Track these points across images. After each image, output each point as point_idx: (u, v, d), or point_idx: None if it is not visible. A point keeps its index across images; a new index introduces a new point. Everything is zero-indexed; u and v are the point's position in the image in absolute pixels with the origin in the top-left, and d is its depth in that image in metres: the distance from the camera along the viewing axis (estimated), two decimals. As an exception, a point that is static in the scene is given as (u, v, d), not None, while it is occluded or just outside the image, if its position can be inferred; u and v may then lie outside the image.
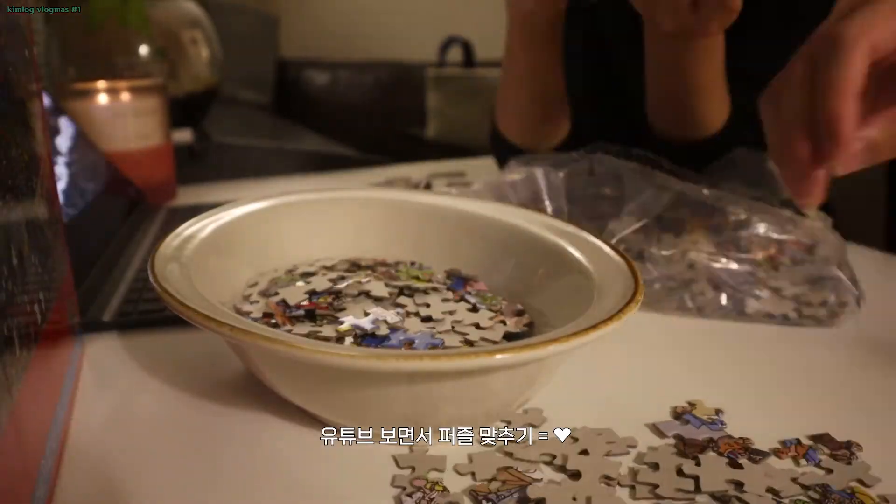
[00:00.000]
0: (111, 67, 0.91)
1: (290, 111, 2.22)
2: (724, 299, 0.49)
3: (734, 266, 0.50)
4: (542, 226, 0.44)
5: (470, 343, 0.36)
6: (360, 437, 0.35)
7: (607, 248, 0.40)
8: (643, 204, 0.52)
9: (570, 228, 0.43)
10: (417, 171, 0.96)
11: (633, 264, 0.38)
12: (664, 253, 0.50)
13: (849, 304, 0.48)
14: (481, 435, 0.35)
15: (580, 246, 0.41)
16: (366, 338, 0.36)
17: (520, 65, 0.74)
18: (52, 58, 0.91)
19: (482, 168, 0.91)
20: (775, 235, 0.51)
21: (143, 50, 0.93)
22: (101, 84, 0.74)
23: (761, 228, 0.51)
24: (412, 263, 0.45)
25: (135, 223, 0.69)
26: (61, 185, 0.55)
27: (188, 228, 0.42)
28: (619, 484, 0.31)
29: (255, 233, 0.45)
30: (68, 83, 0.78)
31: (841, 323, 0.49)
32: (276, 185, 0.95)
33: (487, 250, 0.46)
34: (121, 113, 0.75)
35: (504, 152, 0.76)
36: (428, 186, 0.80)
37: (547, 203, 0.55)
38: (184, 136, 0.96)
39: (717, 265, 0.50)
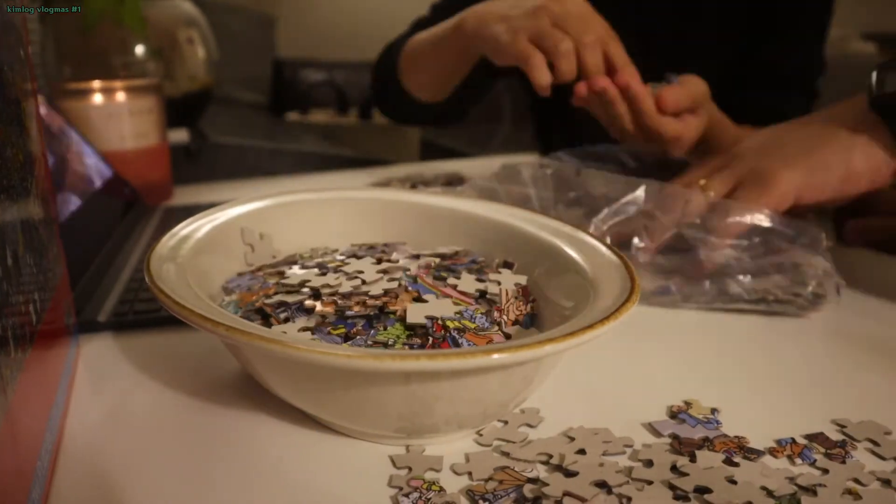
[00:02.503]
0: (107, 67, 0.91)
1: (287, 111, 2.21)
2: (707, 285, 0.50)
3: (717, 252, 0.50)
4: (537, 226, 0.45)
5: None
6: (356, 436, 0.35)
7: (603, 248, 0.40)
8: (628, 203, 0.53)
9: (566, 228, 0.44)
10: (414, 171, 0.96)
11: (629, 263, 0.38)
12: (648, 243, 0.51)
13: (829, 293, 0.49)
14: (478, 435, 0.36)
15: (576, 245, 0.41)
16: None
17: (441, 61, 0.80)
18: (47, 57, 0.91)
19: (477, 168, 0.91)
20: (758, 223, 0.51)
21: (140, 49, 0.93)
22: (97, 84, 0.74)
23: (743, 217, 0.51)
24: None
25: (131, 223, 0.69)
26: (56, 185, 0.55)
27: (184, 228, 0.42)
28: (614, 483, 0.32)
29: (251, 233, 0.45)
30: (64, 83, 0.78)
31: (821, 310, 0.49)
32: (272, 185, 0.95)
33: (484, 250, 0.46)
34: (117, 113, 0.75)
35: (393, 98, 0.89)
36: (414, 187, 0.81)
37: (535, 203, 0.56)
38: (180, 135, 0.96)
39: (700, 251, 0.51)
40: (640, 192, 0.53)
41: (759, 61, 0.87)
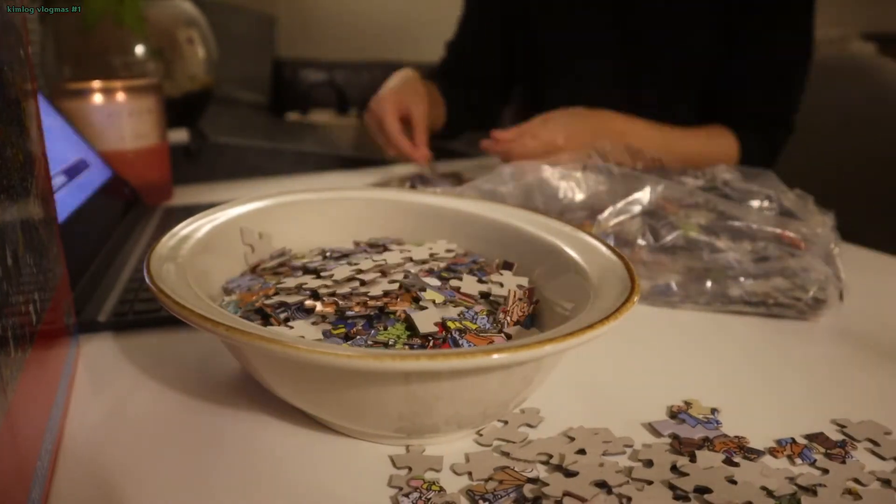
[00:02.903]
0: (107, 67, 0.91)
1: (287, 111, 2.21)
2: (707, 285, 0.50)
3: (720, 254, 0.50)
4: (538, 225, 0.45)
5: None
6: (356, 436, 0.35)
7: (603, 248, 0.40)
8: (632, 202, 0.54)
9: (567, 228, 0.44)
10: (414, 171, 0.96)
11: (629, 263, 0.38)
12: (652, 242, 0.51)
13: (831, 298, 0.49)
14: (478, 435, 0.36)
15: (576, 245, 0.41)
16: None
17: None
18: (47, 57, 0.91)
19: (477, 169, 0.91)
20: (764, 227, 0.51)
21: (139, 49, 0.93)
22: (97, 84, 0.74)
23: (750, 220, 0.52)
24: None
25: (130, 223, 0.69)
26: (56, 184, 0.55)
27: (184, 228, 0.42)
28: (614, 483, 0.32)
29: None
30: (64, 83, 0.77)
31: (822, 315, 0.49)
32: (272, 185, 0.95)
33: (484, 250, 0.46)
34: (116, 113, 0.75)
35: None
36: (413, 187, 0.81)
37: (539, 202, 0.56)
38: (180, 135, 0.96)
39: (704, 252, 0.51)
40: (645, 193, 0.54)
41: (742, 58, 0.87)
